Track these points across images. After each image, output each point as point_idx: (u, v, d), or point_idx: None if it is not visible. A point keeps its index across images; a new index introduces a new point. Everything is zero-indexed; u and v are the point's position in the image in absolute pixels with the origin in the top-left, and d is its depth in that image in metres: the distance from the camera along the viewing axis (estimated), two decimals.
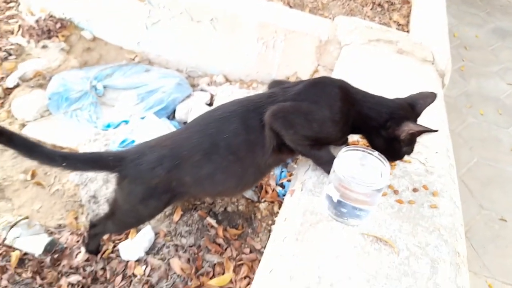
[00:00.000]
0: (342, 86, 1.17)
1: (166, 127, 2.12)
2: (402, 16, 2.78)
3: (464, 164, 2.77)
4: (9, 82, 2.41)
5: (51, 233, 1.71)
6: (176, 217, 1.76)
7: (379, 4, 2.89)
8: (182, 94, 2.47)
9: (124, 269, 1.59)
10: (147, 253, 1.65)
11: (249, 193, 1.90)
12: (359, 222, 1.05)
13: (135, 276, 1.57)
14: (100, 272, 1.58)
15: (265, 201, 1.92)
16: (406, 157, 1.29)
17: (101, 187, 1.84)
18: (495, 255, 2.23)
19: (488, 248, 2.26)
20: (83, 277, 1.54)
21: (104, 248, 1.65)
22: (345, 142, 1.31)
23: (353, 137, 1.35)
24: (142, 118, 2.19)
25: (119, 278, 1.56)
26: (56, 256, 1.60)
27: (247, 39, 2.46)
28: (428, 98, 1.22)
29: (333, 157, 1.06)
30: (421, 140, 1.22)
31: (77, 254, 1.62)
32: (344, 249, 0.99)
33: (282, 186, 1.98)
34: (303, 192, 1.16)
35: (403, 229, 1.06)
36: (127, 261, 1.62)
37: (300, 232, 1.03)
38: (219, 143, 1.17)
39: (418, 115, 1.21)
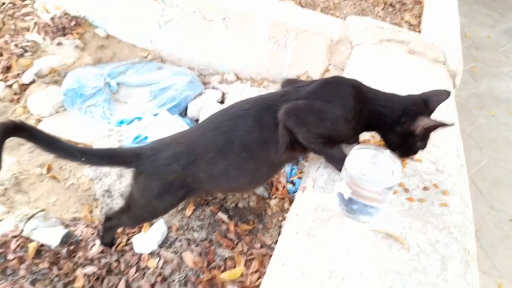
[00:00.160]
0: (355, 85, 1.19)
1: (178, 124, 2.16)
2: (414, 16, 2.78)
3: (474, 165, 2.78)
4: (25, 78, 2.47)
5: (66, 226, 1.75)
6: (188, 211, 1.80)
7: (390, 4, 2.90)
8: (194, 92, 2.50)
9: (137, 262, 1.63)
10: (160, 246, 1.68)
11: (260, 190, 1.93)
12: (369, 219, 1.07)
13: (148, 268, 1.60)
14: (115, 264, 1.61)
15: (275, 197, 1.95)
16: (416, 156, 1.31)
17: (115, 181, 1.88)
18: (504, 256, 2.24)
19: (498, 249, 2.27)
20: (98, 269, 1.58)
21: (118, 241, 1.69)
22: (356, 141, 1.33)
23: (364, 136, 1.37)
24: (155, 115, 2.23)
25: (133, 270, 1.60)
26: (72, 247, 1.63)
27: (259, 38, 2.49)
28: (442, 95, 1.24)
29: (345, 155, 1.08)
30: (432, 139, 1.24)
31: (92, 246, 1.65)
32: (355, 245, 1.02)
33: (293, 183, 2.01)
34: (314, 189, 1.19)
35: (413, 226, 1.08)
36: (141, 254, 1.65)
37: (312, 227, 1.05)
38: (233, 140, 1.20)
39: (431, 111, 1.23)
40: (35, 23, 2.80)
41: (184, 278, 1.58)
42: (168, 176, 1.24)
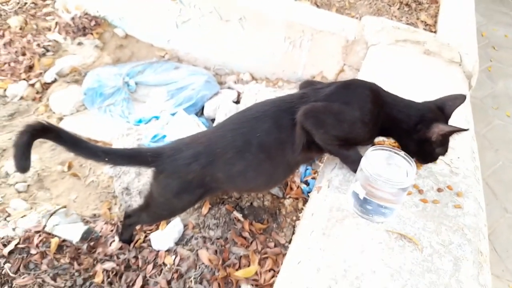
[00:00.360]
0: (373, 89, 1.21)
1: (195, 124, 2.20)
2: (430, 16, 2.77)
3: (489, 167, 2.76)
4: (47, 77, 2.54)
5: (86, 222, 1.81)
6: (204, 210, 1.84)
7: (406, 4, 2.89)
8: (210, 92, 2.54)
9: (155, 258, 1.67)
10: (177, 243, 1.73)
11: (274, 189, 1.96)
12: (384, 219, 1.09)
13: (165, 265, 1.65)
14: (133, 260, 1.66)
15: (289, 197, 1.97)
16: None
17: (133, 179, 1.93)
18: None
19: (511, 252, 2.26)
20: (117, 264, 1.63)
21: (136, 238, 1.74)
22: (372, 143, 1.35)
23: (378, 137, 1.38)
24: (173, 114, 2.27)
25: (150, 266, 1.64)
26: (92, 243, 1.69)
27: (275, 38, 2.51)
28: (457, 100, 1.25)
29: (360, 157, 1.10)
30: None
31: (111, 243, 1.71)
32: (369, 244, 1.04)
33: (307, 183, 2.03)
34: (329, 189, 1.21)
35: (427, 227, 1.10)
36: (158, 251, 1.70)
37: (327, 227, 1.08)
38: (251, 141, 1.23)
39: (448, 117, 1.23)
40: (56, 23, 2.88)
41: (200, 275, 1.62)
42: (187, 175, 1.28)
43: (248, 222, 1.85)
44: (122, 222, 1.65)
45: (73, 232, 1.69)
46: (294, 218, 1.91)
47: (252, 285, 1.63)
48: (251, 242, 1.78)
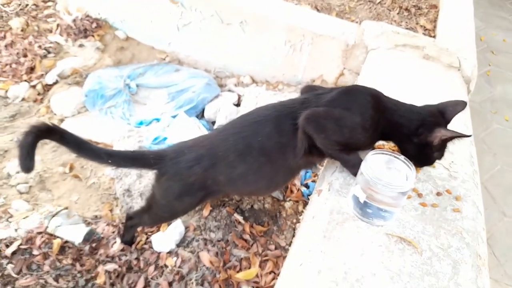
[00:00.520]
0: (374, 95, 1.23)
1: (196, 126, 2.21)
2: (429, 21, 2.80)
3: (487, 171, 2.77)
4: (49, 79, 2.56)
5: (88, 224, 1.82)
6: (205, 212, 1.85)
7: (406, 9, 2.92)
8: (211, 94, 2.56)
9: (156, 260, 1.69)
10: (178, 245, 1.74)
11: (275, 192, 1.97)
12: (383, 223, 1.11)
13: (166, 266, 1.66)
14: (134, 262, 1.67)
15: (290, 200, 1.99)
16: None
17: (135, 181, 1.94)
18: None
19: (510, 256, 2.26)
20: (119, 266, 1.64)
21: (138, 239, 1.75)
22: (372, 147, 1.37)
23: (378, 142, 1.40)
24: (173, 116, 2.28)
25: (152, 268, 1.66)
26: (94, 245, 1.70)
27: (275, 42, 2.53)
28: (458, 106, 1.26)
29: (361, 161, 1.11)
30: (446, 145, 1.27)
31: (113, 244, 1.72)
32: (369, 247, 1.05)
33: (307, 186, 2.05)
34: (330, 192, 1.22)
35: (426, 231, 1.11)
36: (159, 253, 1.71)
37: (327, 230, 1.09)
38: (253, 145, 1.24)
39: (448, 122, 1.25)
40: (58, 25, 2.89)
41: (201, 277, 1.64)
42: (189, 178, 1.29)
43: (249, 224, 1.86)
44: (124, 224, 1.67)
45: (75, 233, 1.70)
46: (295, 220, 1.92)
47: (253, 287, 1.64)
48: (252, 245, 1.80)
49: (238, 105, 2.58)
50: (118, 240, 1.72)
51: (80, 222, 1.80)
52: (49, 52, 2.73)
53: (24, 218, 1.77)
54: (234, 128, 1.31)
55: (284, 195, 2.01)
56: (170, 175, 1.32)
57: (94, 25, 2.88)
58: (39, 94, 2.53)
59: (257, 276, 1.68)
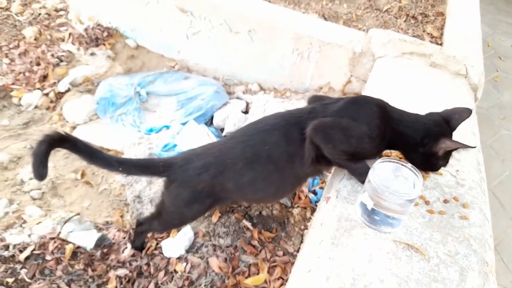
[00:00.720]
0: (380, 105, 1.25)
1: (204, 133, 2.24)
2: (436, 29, 2.81)
3: (495, 177, 2.77)
4: (61, 87, 2.61)
5: (99, 229, 1.85)
6: (214, 218, 1.87)
7: (413, 16, 2.93)
8: (219, 102, 2.59)
9: (166, 265, 1.71)
10: (187, 251, 1.76)
11: (283, 199, 1.99)
12: (391, 230, 1.12)
13: (176, 272, 1.68)
14: (145, 267, 1.70)
15: (298, 206, 2.01)
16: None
17: (145, 187, 1.97)
18: None
19: None
20: (130, 271, 1.67)
21: (148, 245, 1.78)
22: (379, 156, 1.38)
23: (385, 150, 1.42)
24: (183, 123, 2.32)
25: (162, 273, 1.68)
26: (105, 250, 1.73)
27: (283, 50, 2.56)
28: (464, 113, 1.28)
29: (368, 169, 1.13)
30: (453, 153, 1.28)
31: (123, 250, 1.75)
32: (377, 254, 1.07)
33: (315, 193, 2.06)
34: (338, 199, 1.24)
35: (433, 238, 1.13)
36: (169, 258, 1.73)
37: (335, 236, 1.11)
38: (260, 153, 1.27)
39: (453, 129, 1.26)
40: (70, 33, 2.95)
41: (210, 283, 1.66)
42: (197, 185, 1.32)
43: (257, 230, 1.88)
44: (134, 230, 1.69)
45: (87, 239, 1.73)
46: (302, 227, 1.94)
47: None
48: (260, 251, 1.82)
49: (246, 112, 2.60)
50: (129, 245, 1.75)
51: (92, 228, 1.83)
52: (61, 61, 2.78)
53: (37, 224, 1.81)
54: (242, 136, 1.33)
55: (292, 201, 2.03)
56: (179, 183, 1.35)
57: (105, 33, 2.94)
58: (51, 101, 2.58)
59: (265, 282, 1.69)
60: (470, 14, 2.82)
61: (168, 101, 2.59)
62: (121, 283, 1.63)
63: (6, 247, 1.66)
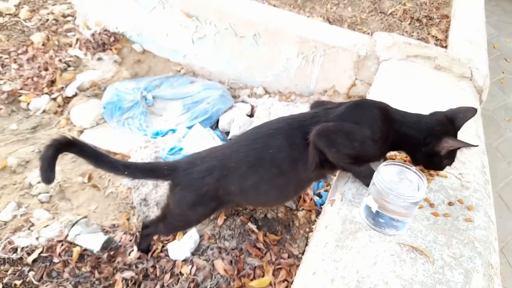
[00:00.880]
0: (382, 107, 1.25)
1: (210, 137, 2.26)
2: (441, 31, 2.81)
3: (501, 179, 2.76)
4: (68, 92, 2.64)
5: (106, 232, 1.87)
6: (220, 221, 1.89)
7: (417, 19, 2.94)
8: (225, 105, 2.61)
9: (172, 268, 1.73)
10: (193, 254, 1.78)
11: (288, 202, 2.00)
12: (396, 232, 1.13)
13: (182, 274, 1.70)
14: (151, 270, 1.71)
15: (303, 209, 2.01)
16: (442, 172, 1.36)
17: (151, 191, 1.99)
18: None
19: None
20: (136, 273, 1.68)
21: (154, 247, 1.79)
22: (383, 158, 1.39)
23: (390, 152, 1.42)
24: (189, 127, 2.33)
25: (167, 275, 1.69)
26: (111, 253, 1.75)
27: (288, 54, 2.57)
28: (468, 112, 1.28)
29: (373, 171, 1.14)
30: (457, 155, 1.29)
31: (130, 252, 1.76)
32: (382, 256, 1.07)
33: (319, 195, 2.07)
34: (343, 202, 1.25)
35: (438, 240, 1.13)
36: (175, 261, 1.75)
37: (340, 239, 1.12)
38: (264, 157, 1.28)
39: (458, 129, 1.27)
40: (77, 39, 2.99)
41: (215, 285, 1.67)
42: (201, 188, 1.33)
43: (262, 233, 1.89)
44: (140, 232, 1.71)
45: (94, 242, 1.75)
46: (307, 229, 1.94)
47: None
48: (265, 253, 1.82)
49: (251, 115, 2.62)
50: (135, 248, 1.76)
51: (99, 231, 1.85)
52: (69, 66, 2.82)
53: (45, 226, 1.83)
54: (246, 140, 1.34)
55: (297, 204, 2.03)
56: (183, 186, 1.36)
57: (112, 39, 2.97)
58: (59, 106, 2.61)
59: (270, 284, 1.70)
60: (475, 16, 2.82)
61: (174, 105, 2.61)
62: (127, 285, 1.64)
63: (14, 250, 1.69)
